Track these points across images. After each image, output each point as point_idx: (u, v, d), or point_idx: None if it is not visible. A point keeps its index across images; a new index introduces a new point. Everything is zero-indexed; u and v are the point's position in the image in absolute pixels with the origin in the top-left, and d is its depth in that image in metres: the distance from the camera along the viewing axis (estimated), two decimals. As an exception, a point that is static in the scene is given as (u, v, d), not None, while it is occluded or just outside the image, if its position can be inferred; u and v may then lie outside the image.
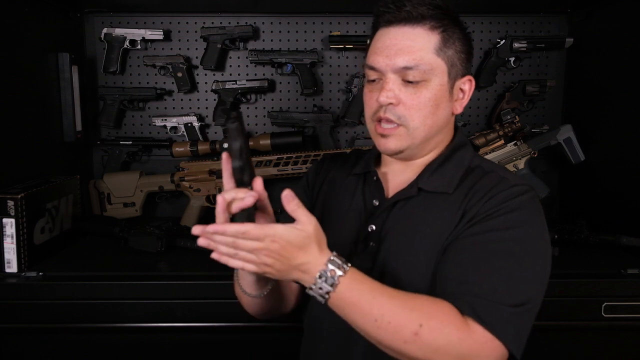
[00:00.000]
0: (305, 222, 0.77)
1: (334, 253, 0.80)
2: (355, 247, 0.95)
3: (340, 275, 0.78)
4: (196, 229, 0.75)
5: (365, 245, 0.94)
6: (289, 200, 0.77)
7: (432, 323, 0.77)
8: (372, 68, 0.92)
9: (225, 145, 0.77)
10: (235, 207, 0.77)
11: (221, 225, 0.75)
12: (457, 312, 0.79)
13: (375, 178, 0.99)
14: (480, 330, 0.78)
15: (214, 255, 0.77)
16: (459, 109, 0.96)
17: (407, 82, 0.90)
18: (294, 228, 0.76)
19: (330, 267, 0.78)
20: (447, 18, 0.91)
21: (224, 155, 0.79)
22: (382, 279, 0.85)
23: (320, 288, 0.78)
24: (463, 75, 0.95)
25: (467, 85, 0.96)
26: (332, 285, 0.77)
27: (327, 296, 0.78)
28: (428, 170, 0.95)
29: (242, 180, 0.78)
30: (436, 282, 0.86)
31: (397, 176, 0.99)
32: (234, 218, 0.78)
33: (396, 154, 0.95)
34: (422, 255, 0.89)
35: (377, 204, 0.97)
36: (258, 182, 0.80)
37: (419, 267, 0.88)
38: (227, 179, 0.80)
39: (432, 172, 0.94)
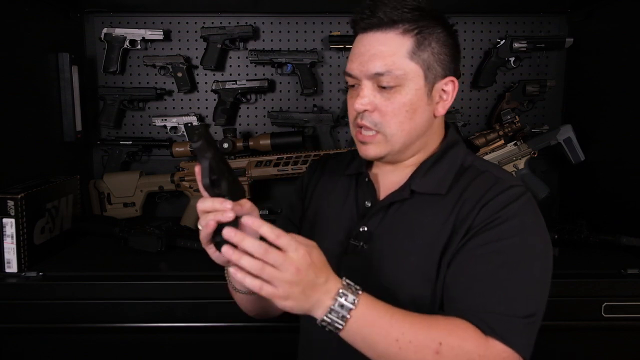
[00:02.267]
0: (312, 242, 0.76)
1: (344, 278, 0.78)
2: (346, 247, 0.95)
3: (360, 293, 0.77)
4: (228, 231, 0.71)
5: (355, 245, 0.94)
6: (271, 230, 0.73)
7: (452, 340, 0.77)
8: (348, 74, 0.92)
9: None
10: (212, 219, 0.74)
11: (256, 221, 0.72)
12: (474, 327, 0.79)
13: (366, 179, 0.99)
14: (499, 345, 0.78)
15: (232, 270, 0.73)
16: (441, 110, 0.93)
17: (382, 88, 0.89)
18: (312, 246, 0.75)
19: (347, 284, 0.77)
20: (425, 19, 0.88)
21: (197, 169, 0.76)
22: (373, 280, 0.85)
23: (342, 306, 0.75)
24: (444, 77, 0.91)
25: (449, 86, 0.93)
26: (353, 302, 0.75)
27: (348, 316, 0.75)
28: (420, 170, 0.94)
29: (215, 194, 0.76)
30: (444, 297, 0.86)
31: (387, 177, 0.98)
32: (215, 233, 0.75)
33: (377, 160, 0.96)
34: (413, 257, 0.88)
35: (369, 205, 0.97)
36: (247, 205, 0.78)
37: (409, 269, 0.88)
38: (203, 191, 0.78)
39: (424, 172, 0.94)
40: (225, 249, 0.72)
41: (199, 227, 0.78)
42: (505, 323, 0.79)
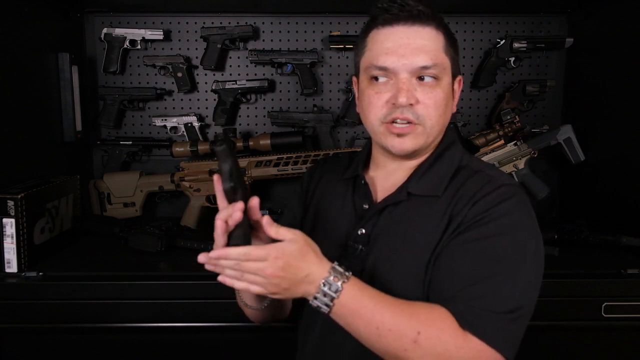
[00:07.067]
0: (294, 235, 0.79)
1: (335, 263, 0.82)
2: (344, 250, 0.95)
3: (343, 282, 0.79)
4: (201, 257, 0.77)
5: (354, 248, 0.94)
6: (270, 225, 0.79)
7: (430, 331, 0.78)
8: (383, 68, 0.90)
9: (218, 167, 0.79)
10: (231, 223, 0.79)
11: (223, 250, 0.77)
12: (453, 318, 0.80)
13: (363, 182, 0.99)
14: (475, 339, 0.79)
15: (220, 279, 0.79)
16: (454, 107, 0.98)
17: (421, 81, 0.89)
18: (289, 242, 0.78)
19: (333, 275, 0.80)
20: (442, 20, 0.92)
21: (215, 177, 0.80)
22: (371, 283, 0.85)
23: (325, 295, 0.79)
24: (456, 75, 0.96)
25: (456, 84, 0.97)
26: (336, 291, 0.79)
27: (331, 304, 0.79)
28: (418, 172, 0.94)
29: (235, 200, 0.79)
30: (429, 290, 0.86)
31: (386, 179, 0.98)
32: (230, 238, 0.79)
33: (409, 154, 0.93)
34: (409, 259, 0.88)
35: (366, 207, 0.97)
36: (254, 200, 0.81)
37: (405, 271, 0.88)
38: (221, 200, 0.82)
39: (421, 174, 0.94)
40: (207, 266, 0.79)
41: (215, 235, 0.81)
42: (484, 318, 0.79)
